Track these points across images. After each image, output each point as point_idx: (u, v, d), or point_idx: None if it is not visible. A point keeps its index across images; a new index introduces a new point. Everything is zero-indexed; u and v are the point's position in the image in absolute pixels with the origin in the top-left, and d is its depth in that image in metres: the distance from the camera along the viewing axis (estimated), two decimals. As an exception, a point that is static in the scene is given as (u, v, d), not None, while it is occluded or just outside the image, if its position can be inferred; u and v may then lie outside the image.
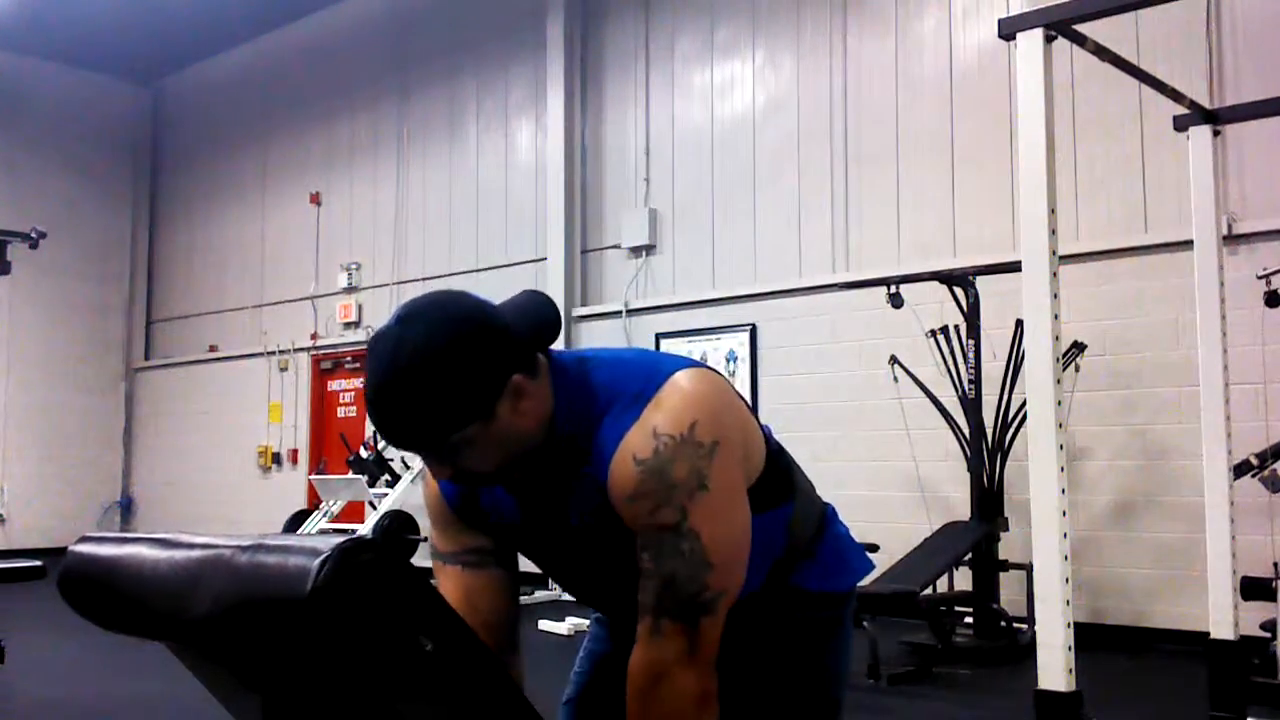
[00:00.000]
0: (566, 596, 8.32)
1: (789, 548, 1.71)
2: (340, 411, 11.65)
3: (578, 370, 1.58)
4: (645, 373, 1.55)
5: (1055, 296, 3.09)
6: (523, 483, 1.62)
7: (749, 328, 8.37)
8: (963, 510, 6.61)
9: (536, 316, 1.57)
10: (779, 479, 1.68)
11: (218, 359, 12.96)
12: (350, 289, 11.52)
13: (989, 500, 6.30)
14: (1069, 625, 2.98)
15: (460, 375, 1.44)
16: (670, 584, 1.47)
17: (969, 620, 6.25)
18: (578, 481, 1.56)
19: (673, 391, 1.51)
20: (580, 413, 1.54)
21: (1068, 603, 2.99)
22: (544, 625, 7.02)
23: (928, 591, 5.81)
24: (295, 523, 10.02)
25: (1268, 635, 4.85)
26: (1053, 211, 3.11)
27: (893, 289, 6.69)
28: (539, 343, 1.56)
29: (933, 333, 6.59)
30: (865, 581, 5.61)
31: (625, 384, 1.54)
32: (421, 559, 9.42)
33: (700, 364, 1.60)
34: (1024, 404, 5.26)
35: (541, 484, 1.60)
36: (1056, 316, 3.10)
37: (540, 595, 8.40)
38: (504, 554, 1.74)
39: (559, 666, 2.03)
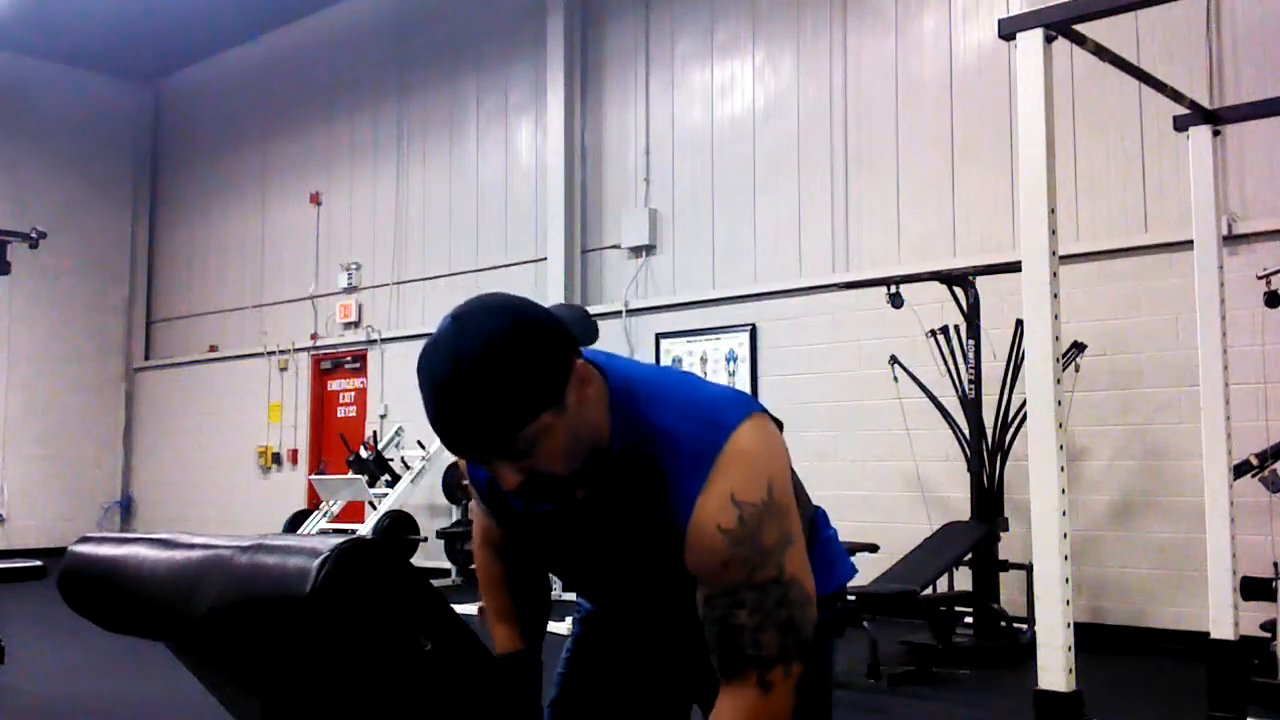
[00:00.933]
0: (569, 596, 8.37)
1: None
2: (340, 411, 11.65)
3: (623, 387, 1.55)
4: (701, 419, 1.53)
5: (1055, 296, 3.09)
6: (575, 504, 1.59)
7: (749, 328, 8.37)
8: (963, 510, 6.61)
9: (572, 319, 1.56)
10: None
11: (218, 359, 12.96)
12: (350, 289, 11.51)
13: (989, 500, 6.30)
14: (1069, 625, 2.99)
15: (528, 358, 1.40)
16: (789, 628, 1.49)
17: (969, 620, 6.25)
18: (630, 519, 1.56)
19: (739, 455, 1.49)
20: (633, 443, 1.53)
21: (1068, 603, 2.99)
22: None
23: (928, 591, 5.81)
24: (295, 523, 10.03)
25: (1268, 635, 4.85)
26: (1053, 211, 3.12)
27: (893, 289, 6.69)
28: (581, 340, 1.56)
29: (933, 333, 6.58)
30: (865, 581, 5.62)
31: (682, 428, 1.52)
32: (421, 559, 9.43)
33: (746, 402, 1.58)
34: (1024, 404, 5.26)
35: (590, 505, 1.58)
36: (1056, 316, 3.10)
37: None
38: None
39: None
